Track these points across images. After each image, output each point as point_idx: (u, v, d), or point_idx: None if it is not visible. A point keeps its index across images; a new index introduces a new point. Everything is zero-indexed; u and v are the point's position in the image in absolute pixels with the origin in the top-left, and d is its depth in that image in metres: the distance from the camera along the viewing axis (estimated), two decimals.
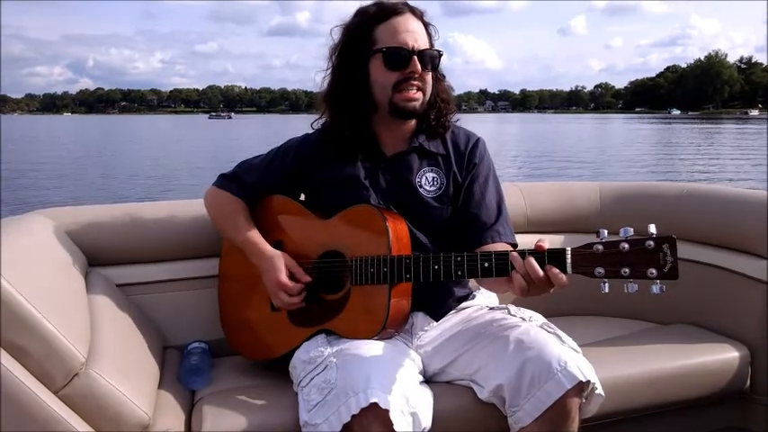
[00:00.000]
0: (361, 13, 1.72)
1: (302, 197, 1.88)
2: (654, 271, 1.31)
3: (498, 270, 1.46)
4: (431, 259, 1.54)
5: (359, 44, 1.70)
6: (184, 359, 1.86)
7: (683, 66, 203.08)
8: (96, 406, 1.41)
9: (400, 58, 1.66)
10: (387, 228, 1.60)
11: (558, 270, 1.37)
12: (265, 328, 1.79)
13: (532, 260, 1.39)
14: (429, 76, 1.72)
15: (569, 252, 1.38)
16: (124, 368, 1.54)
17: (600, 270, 1.35)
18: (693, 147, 31.23)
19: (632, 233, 1.34)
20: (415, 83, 1.68)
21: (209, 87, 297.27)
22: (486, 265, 1.48)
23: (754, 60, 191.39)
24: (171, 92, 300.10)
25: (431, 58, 1.71)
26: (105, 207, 2.14)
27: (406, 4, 1.71)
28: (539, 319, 1.65)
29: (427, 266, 1.54)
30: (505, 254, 1.46)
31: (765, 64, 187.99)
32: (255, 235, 1.77)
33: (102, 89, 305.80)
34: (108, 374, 1.44)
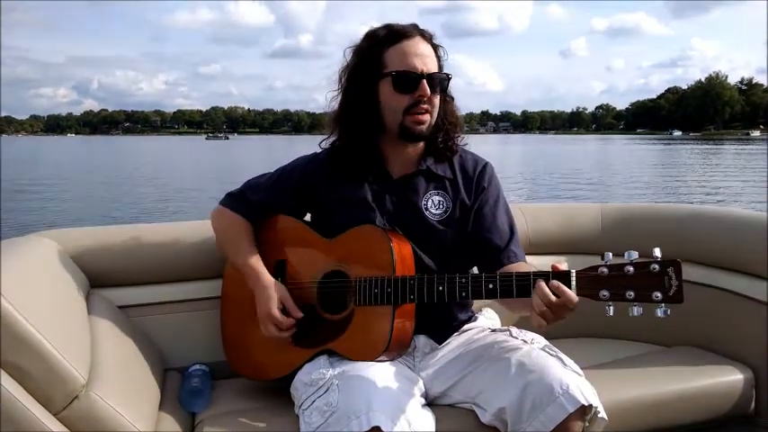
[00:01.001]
0: (371, 37, 1.73)
1: (308, 217, 1.88)
2: (659, 294, 1.31)
3: (503, 291, 1.47)
4: (435, 280, 1.54)
5: (368, 67, 1.71)
6: (185, 381, 1.85)
7: (684, 87, 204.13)
8: (96, 428, 1.40)
9: (409, 81, 1.67)
10: (391, 248, 1.60)
11: (566, 287, 1.37)
12: (267, 349, 1.78)
13: (543, 285, 1.39)
14: (437, 99, 1.73)
15: (574, 274, 1.38)
16: (125, 390, 1.53)
17: (605, 293, 1.35)
18: (695, 168, 31.27)
19: (637, 256, 1.34)
20: (424, 106, 1.69)
21: (213, 109, 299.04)
22: (491, 286, 1.48)
23: (754, 81, 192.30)
24: (174, 113, 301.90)
25: (440, 81, 1.72)
26: (107, 229, 2.15)
27: (416, 27, 1.72)
28: (541, 341, 1.65)
29: (432, 287, 1.54)
30: (510, 275, 1.46)
31: (766, 85, 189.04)
32: (255, 260, 1.77)
33: (107, 110, 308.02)
34: (108, 397, 1.43)
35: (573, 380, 1.47)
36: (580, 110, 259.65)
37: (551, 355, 1.56)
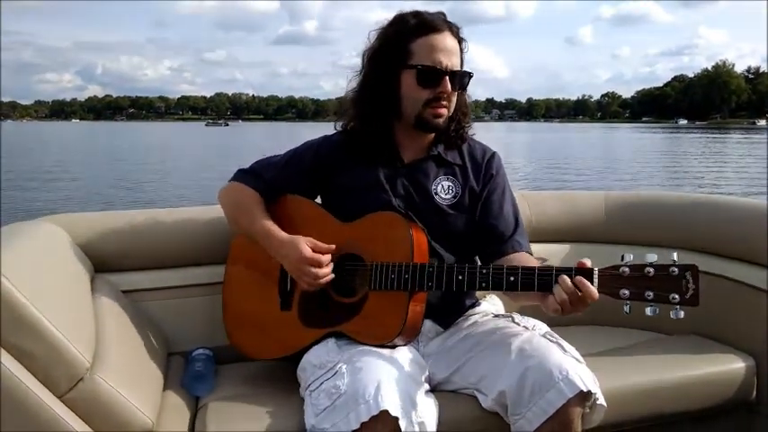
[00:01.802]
0: (400, 23, 1.71)
1: (318, 199, 1.88)
2: (676, 296, 1.38)
3: (524, 284, 1.49)
4: (455, 269, 1.55)
5: (393, 54, 1.69)
6: (189, 365, 1.86)
7: (691, 75, 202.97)
8: (100, 411, 1.42)
9: (433, 77, 1.66)
10: (411, 236, 1.61)
11: (588, 282, 1.42)
12: (274, 327, 1.78)
13: (567, 279, 1.43)
14: (455, 95, 1.73)
15: (597, 272, 1.43)
16: (129, 374, 1.55)
17: (625, 291, 1.41)
18: (699, 156, 31.17)
19: (656, 258, 1.41)
20: (444, 102, 1.70)
21: (217, 95, 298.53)
22: (513, 279, 1.50)
23: (761, 70, 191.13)
24: (179, 99, 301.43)
25: (461, 79, 1.72)
26: (112, 214, 2.15)
27: (445, 20, 1.70)
28: (542, 327, 1.66)
29: (451, 276, 1.55)
30: (532, 269, 1.49)
31: None
32: (272, 225, 1.75)
33: (111, 96, 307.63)
34: (112, 380, 1.44)
35: (572, 366, 1.48)
36: (585, 98, 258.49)
37: (552, 341, 1.57)
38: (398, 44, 1.69)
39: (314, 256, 1.64)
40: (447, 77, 1.67)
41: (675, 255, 1.40)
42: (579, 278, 1.42)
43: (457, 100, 1.75)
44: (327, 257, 1.66)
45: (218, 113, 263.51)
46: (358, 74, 1.78)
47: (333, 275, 1.67)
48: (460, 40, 1.73)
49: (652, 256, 1.40)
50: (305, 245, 1.66)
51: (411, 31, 1.68)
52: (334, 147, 1.82)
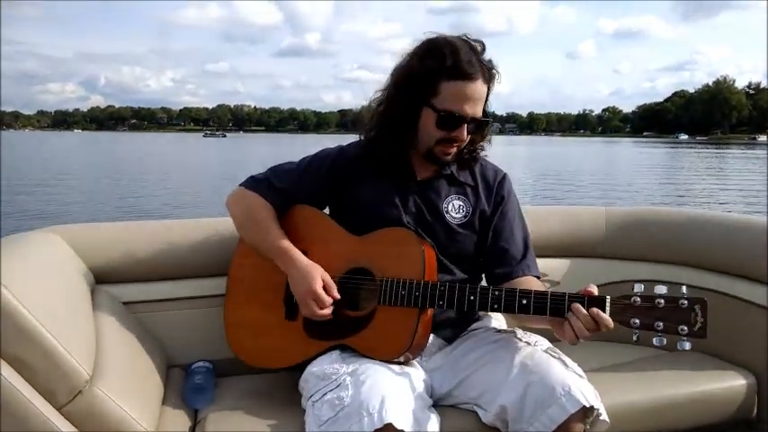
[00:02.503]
0: (436, 58, 1.63)
1: (326, 210, 1.87)
2: (685, 328, 1.42)
3: (536, 309, 1.50)
4: (467, 290, 1.55)
5: (421, 87, 1.66)
6: (188, 378, 1.86)
7: (691, 91, 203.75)
8: (99, 423, 1.41)
9: (452, 122, 1.66)
10: (423, 253, 1.62)
11: (603, 313, 1.44)
12: (278, 337, 1.77)
13: (581, 309, 1.45)
14: (469, 137, 1.71)
15: (608, 301, 1.45)
16: (128, 386, 1.54)
17: (636, 321, 1.45)
18: (700, 172, 31.20)
19: (665, 291, 1.44)
20: (456, 144, 1.70)
21: (219, 106, 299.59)
22: (525, 302, 1.51)
23: (762, 86, 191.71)
24: (181, 110, 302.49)
25: (477, 125, 1.71)
26: (113, 225, 2.15)
27: (482, 65, 1.64)
28: (544, 343, 1.65)
29: (462, 296, 1.56)
30: (545, 293, 1.51)
31: None
32: (287, 242, 1.74)
33: (113, 106, 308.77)
34: (112, 392, 1.44)
35: (575, 381, 1.47)
36: (586, 112, 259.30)
37: (554, 356, 1.56)
38: (428, 80, 1.65)
39: (321, 294, 1.65)
40: (465, 126, 1.66)
41: (684, 288, 1.44)
42: (595, 310, 1.44)
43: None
44: (330, 300, 1.66)
45: (221, 125, 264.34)
46: (382, 90, 1.76)
47: (330, 317, 1.67)
48: (490, 83, 1.69)
49: (661, 288, 1.44)
50: (317, 279, 1.66)
51: (444, 71, 1.62)
52: (351, 158, 1.82)
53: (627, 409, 1.82)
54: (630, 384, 1.95)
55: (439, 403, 1.67)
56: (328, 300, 1.65)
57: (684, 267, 2.25)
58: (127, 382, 1.55)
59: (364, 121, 1.80)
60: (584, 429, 1.49)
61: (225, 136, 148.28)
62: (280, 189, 1.81)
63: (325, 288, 1.66)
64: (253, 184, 1.83)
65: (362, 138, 1.83)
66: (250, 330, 1.83)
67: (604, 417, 1.50)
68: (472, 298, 1.55)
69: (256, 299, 1.83)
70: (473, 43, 1.66)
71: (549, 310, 1.49)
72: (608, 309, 1.45)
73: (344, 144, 1.86)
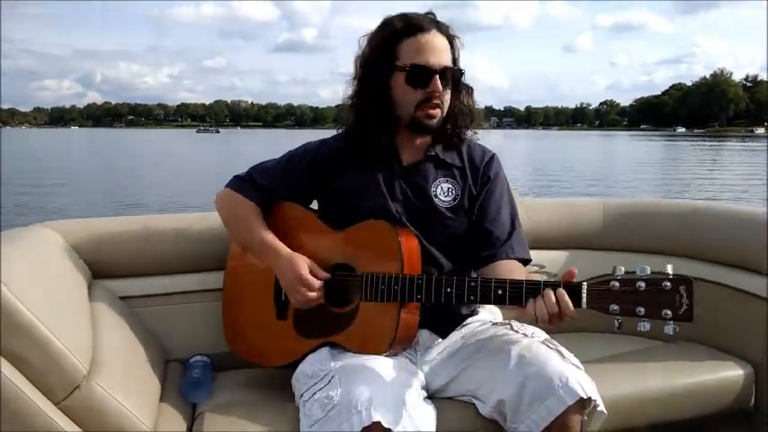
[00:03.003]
0: (387, 26, 1.71)
1: (314, 205, 1.87)
2: (669, 312, 1.32)
3: (512, 299, 1.47)
4: (444, 282, 1.53)
5: (382, 57, 1.69)
6: (186, 372, 1.86)
7: (689, 84, 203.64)
8: (97, 418, 1.41)
9: (422, 76, 1.66)
10: (400, 246, 1.60)
11: (568, 300, 1.40)
12: (271, 336, 1.78)
13: (551, 294, 1.41)
14: (448, 94, 1.72)
15: (585, 287, 1.39)
16: (126, 380, 1.54)
17: (615, 307, 1.36)
18: (697, 164, 31.21)
19: (649, 271, 1.35)
20: (435, 101, 1.69)
21: (216, 102, 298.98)
22: (500, 292, 1.48)
23: (759, 79, 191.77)
24: (178, 106, 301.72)
25: (452, 76, 1.71)
26: (109, 220, 2.15)
27: (433, 20, 1.70)
28: (541, 335, 1.65)
29: (439, 289, 1.54)
30: (520, 283, 1.47)
31: None
32: (270, 236, 1.74)
33: (110, 103, 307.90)
34: (110, 387, 1.44)
35: (572, 373, 1.47)
36: (584, 106, 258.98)
37: (551, 348, 1.56)
38: (386, 47, 1.69)
39: (308, 278, 1.65)
40: (437, 76, 1.66)
41: (670, 267, 1.34)
42: (561, 291, 1.40)
43: (453, 99, 1.74)
44: (320, 283, 1.66)
45: (218, 120, 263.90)
46: (352, 80, 1.78)
47: (322, 300, 1.66)
48: (451, 38, 1.72)
49: (645, 269, 1.35)
50: (303, 264, 1.66)
51: (398, 33, 1.68)
52: (332, 151, 1.82)
53: (625, 399, 1.83)
54: (628, 375, 1.95)
55: (436, 396, 1.67)
56: (316, 282, 1.65)
57: (681, 258, 2.25)
58: (124, 377, 1.55)
59: (343, 115, 1.80)
60: (582, 420, 1.49)
61: (218, 132, 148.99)
62: (262, 186, 1.81)
63: (312, 273, 1.66)
64: (236, 183, 1.84)
65: (344, 130, 1.82)
66: (243, 329, 1.85)
67: (602, 408, 1.50)
68: (449, 290, 1.52)
69: (248, 298, 1.84)
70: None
71: (525, 299, 1.45)
72: (584, 295, 1.39)
73: (327, 137, 1.86)
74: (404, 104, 1.70)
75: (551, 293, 1.41)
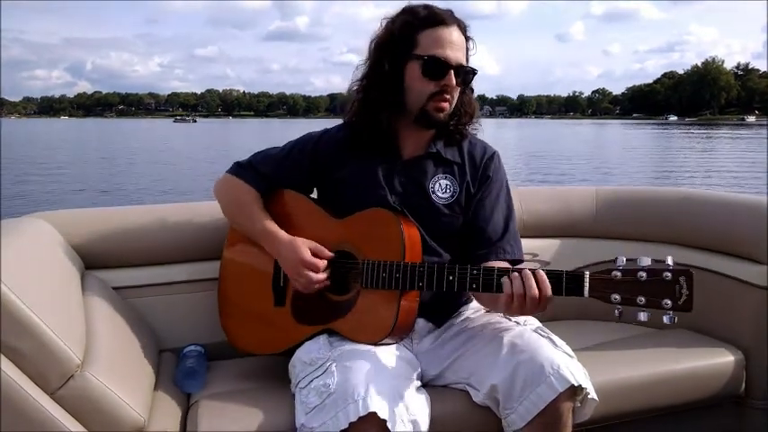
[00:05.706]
0: (409, 13, 1.69)
1: (315, 194, 1.87)
2: (668, 302, 1.35)
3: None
4: (446, 270, 1.54)
5: (400, 43, 1.68)
6: (180, 362, 1.86)
7: (681, 72, 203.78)
8: (91, 408, 1.41)
9: (439, 69, 1.65)
10: (402, 234, 1.61)
11: (546, 282, 1.43)
12: (268, 323, 1.78)
13: (528, 272, 1.43)
14: (458, 92, 1.72)
15: (587, 276, 1.41)
16: (120, 370, 1.54)
17: (616, 296, 1.39)
18: (690, 152, 31.33)
19: (649, 262, 1.37)
20: (447, 96, 1.69)
21: (208, 91, 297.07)
22: (504, 280, 1.48)
23: (751, 67, 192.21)
24: (169, 96, 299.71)
25: (465, 74, 1.71)
26: (102, 210, 2.14)
27: (454, 16, 1.69)
28: (533, 323, 1.66)
29: (441, 277, 1.54)
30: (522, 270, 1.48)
31: (762, 71, 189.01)
32: (271, 223, 1.75)
33: (100, 92, 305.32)
34: (103, 376, 1.44)
35: (564, 360, 1.48)
36: (576, 94, 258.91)
37: (543, 336, 1.57)
38: (406, 34, 1.67)
39: (312, 259, 1.64)
40: (452, 71, 1.66)
41: (670, 258, 1.38)
42: (541, 272, 1.43)
43: (460, 97, 1.74)
44: (324, 263, 1.66)
45: (209, 110, 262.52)
46: (363, 63, 1.76)
47: (328, 282, 1.66)
48: (467, 38, 1.72)
49: (646, 260, 1.38)
50: (305, 248, 1.66)
51: (420, 22, 1.67)
52: (335, 140, 1.81)
53: (616, 386, 1.84)
54: (619, 362, 1.96)
55: (430, 384, 1.68)
56: (321, 263, 1.65)
57: (673, 246, 2.26)
58: (118, 367, 1.55)
59: (349, 100, 1.79)
60: (574, 408, 1.51)
61: (195, 121, 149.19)
62: (264, 174, 1.81)
63: (316, 253, 1.67)
64: (237, 170, 1.84)
65: (349, 118, 1.81)
66: (240, 317, 1.85)
67: (593, 395, 1.51)
68: (451, 278, 1.53)
69: (246, 286, 1.84)
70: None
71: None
72: (587, 285, 1.41)
73: (330, 127, 1.85)
74: (416, 95, 1.69)
75: (530, 275, 1.43)
